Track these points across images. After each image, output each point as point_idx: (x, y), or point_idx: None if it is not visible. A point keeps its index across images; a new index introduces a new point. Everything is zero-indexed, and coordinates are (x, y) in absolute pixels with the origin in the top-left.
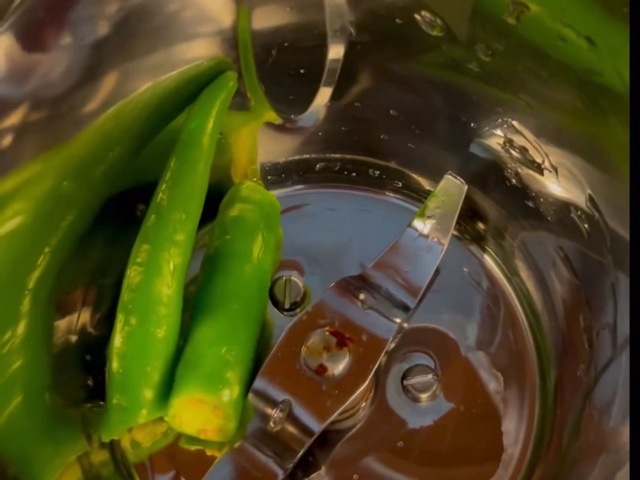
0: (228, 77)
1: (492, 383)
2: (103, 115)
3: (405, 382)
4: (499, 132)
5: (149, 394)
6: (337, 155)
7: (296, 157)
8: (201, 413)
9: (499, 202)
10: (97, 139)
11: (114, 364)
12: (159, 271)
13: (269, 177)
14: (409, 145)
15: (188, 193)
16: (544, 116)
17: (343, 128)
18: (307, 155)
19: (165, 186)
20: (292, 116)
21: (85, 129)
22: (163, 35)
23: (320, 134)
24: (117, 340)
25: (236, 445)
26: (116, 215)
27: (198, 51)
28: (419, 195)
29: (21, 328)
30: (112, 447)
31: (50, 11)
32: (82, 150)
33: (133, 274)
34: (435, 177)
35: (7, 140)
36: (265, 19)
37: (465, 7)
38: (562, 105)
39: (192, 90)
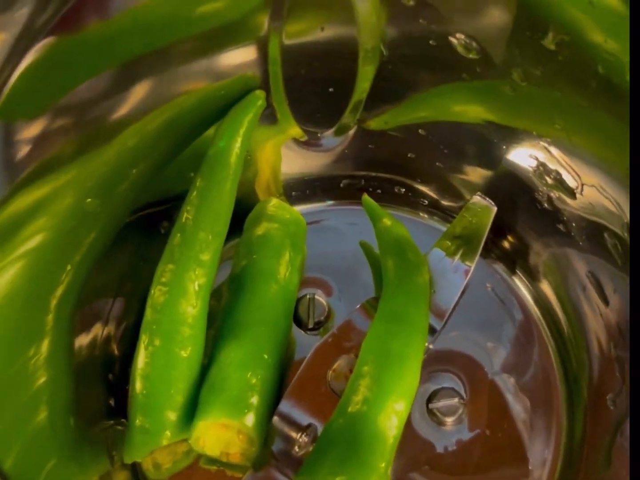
0: (257, 96)
1: (519, 407)
2: (127, 131)
3: (430, 406)
4: (530, 154)
5: (172, 416)
6: (362, 173)
7: (321, 174)
8: (224, 436)
9: (529, 224)
10: (121, 155)
11: (137, 385)
12: (183, 291)
13: (293, 193)
14: (437, 164)
15: (214, 213)
16: (579, 141)
17: (370, 146)
18: (332, 172)
19: (191, 205)
20: (318, 134)
21: (109, 143)
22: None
23: (346, 151)
24: (141, 360)
25: (258, 467)
26: (139, 231)
27: (228, 65)
28: (447, 215)
29: (44, 345)
30: (134, 467)
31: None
32: (105, 165)
33: (157, 294)
34: (464, 197)
35: (30, 149)
36: (297, 36)
37: (503, 31)
38: (598, 131)
39: (219, 107)
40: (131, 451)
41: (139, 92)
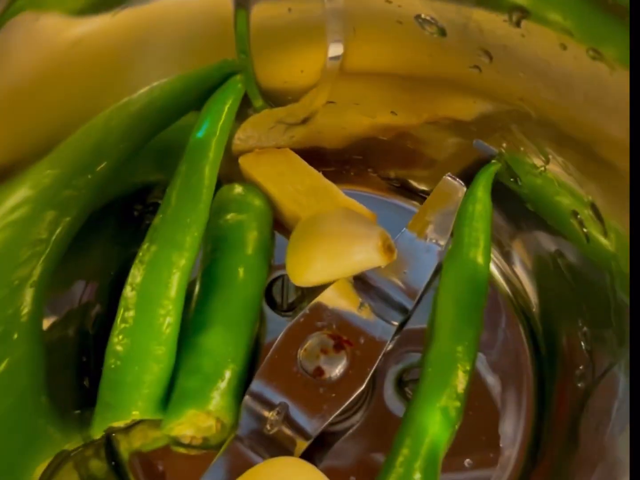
0: (236, 81)
1: (490, 385)
2: (104, 113)
3: (402, 383)
4: (500, 135)
5: (139, 393)
6: (334, 154)
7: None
8: (196, 422)
9: (498, 204)
10: (97, 139)
11: (109, 360)
12: (162, 272)
13: None
14: (409, 146)
15: (195, 197)
16: (545, 122)
17: (342, 128)
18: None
19: (173, 189)
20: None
21: (85, 128)
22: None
23: (319, 132)
24: (115, 336)
25: (231, 446)
26: (113, 215)
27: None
28: (418, 196)
29: (15, 325)
30: (108, 449)
31: None
32: (81, 149)
33: (136, 273)
34: (434, 179)
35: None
36: (264, 19)
37: (465, 10)
38: (563, 113)
39: (198, 93)
40: (96, 425)
41: (118, 75)
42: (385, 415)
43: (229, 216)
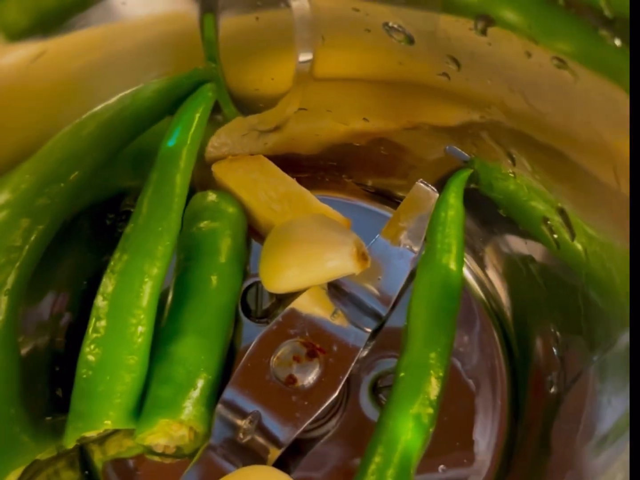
0: (207, 89)
1: (464, 390)
2: (75, 123)
3: (377, 389)
4: (471, 142)
5: (110, 403)
6: (307, 160)
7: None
8: (168, 431)
9: (471, 209)
10: (70, 146)
11: (81, 370)
12: (134, 280)
13: None
14: (382, 152)
15: (166, 206)
16: (514, 129)
17: (316, 134)
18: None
19: (144, 198)
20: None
21: (55, 138)
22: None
23: (293, 139)
24: (86, 346)
25: (203, 455)
26: (86, 223)
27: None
28: (393, 202)
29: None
30: (82, 459)
31: None
32: (52, 160)
33: (107, 282)
34: (409, 185)
35: None
36: (232, 28)
37: (432, 19)
38: (531, 119)
39: (170, 101)
40: (68, 434)
41: (85, 86)
42: (361, 421)
43: (202, 224)
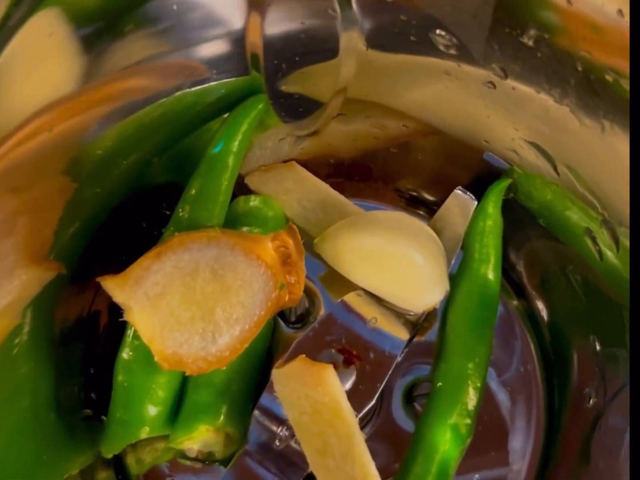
0: (258, 99)
1: (500, 399)
2: (125, 121)
3: (411, 397)
4: (511, 149)
5: (152, 410)
6: (343, 165)
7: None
8: (204, 436)
9: (510, 218)
10: (117, 144)
11: (120, 377)
12: None
13: None
14: (419, 158)
15: (209, 211)
16: (559, 140)
17: (353, 140)
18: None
19: (186, 203)
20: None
21: (106, 132)
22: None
23: (329, 144)
24: (125, 353)
25: (239, 461)
26: (122, 226)
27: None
28: (429, 209)
29: (24, 336)
30: (116, 462)
31: None
32: (100, 153)
33: None
34: (445, 191)
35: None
36: (277, 31)
37: (482, 28)
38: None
39: (219, 106)
40: (109, 444)
41: (139, 84)
42: (394, 429)
43: (245, 229)
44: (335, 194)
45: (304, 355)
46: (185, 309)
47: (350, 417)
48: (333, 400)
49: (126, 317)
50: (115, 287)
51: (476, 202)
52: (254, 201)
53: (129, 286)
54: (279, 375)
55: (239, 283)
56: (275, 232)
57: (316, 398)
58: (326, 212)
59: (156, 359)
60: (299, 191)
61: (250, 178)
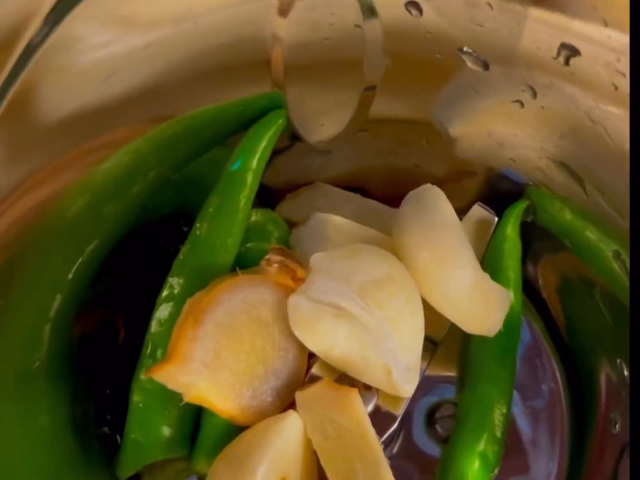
0: (278, 115)
1: (523, 424)
2: (142, 137)
3: (432, 419)
4: (539, 168)
5: (167, 431)
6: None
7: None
8: None
9: (534, 240)
10: (135, 160)
11: (136, 397)
12: None
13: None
14: (439, 174)
15: (227, 229)
16: (587, 162)
17: (374, 157)
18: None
19: (204, 220)
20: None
21: (124, 148)
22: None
23: (349, 159)
24: (142, 372)
25: None
26: (138, 243)
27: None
28: None
29: (43, 352)
30: None
31: None
32: (119, 169)
33: (163, 307)
34: (465, 207)
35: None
36: (300, 50)
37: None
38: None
39: (239, 122)
40: (124, 465)
41: (158, 99)
42: (415, 452)
43: (249, 245)
44: (367, 200)
45: (328, 378)
46: (241, 360)
47: (376, 444)
48: (359, 425)
49: (190, 398)
50: (173, 372)
51: (496, 218)
52: (256, 216)
53: (184, 364)
54: (302, 397)
55: (271, 314)
56: (267, 257)
57: (341, 423)
58: (363, 220)
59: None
60: (332, 207)
61: (281, 208)
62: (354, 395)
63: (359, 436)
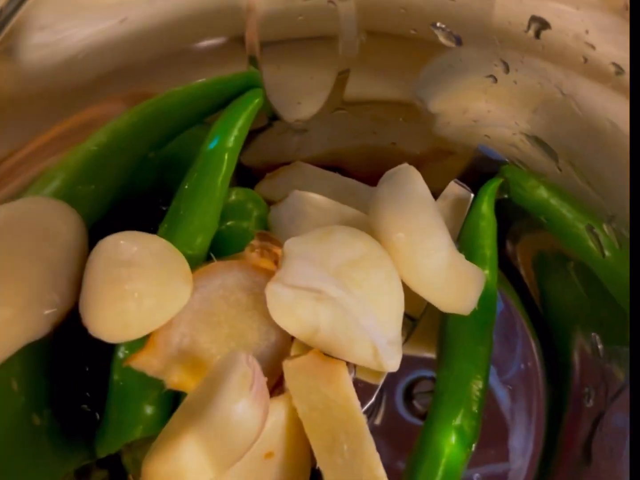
0: (255, 94)
1: (500, 398)
2: (119, 116)
3: (410, 396)
4: (510, 143)
5: (148, 409)
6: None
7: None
8: None
9: (509, 215)
10: (111, 141)
11: (116, 376)
12: None
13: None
14: (417, 152)
15: (205, 207)
16: (561, 135)
17: (352, 137)
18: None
19: (181, 197)
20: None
21: (100, 129)
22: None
23: (327, 138)
24: (121, 351)
25: None
26: (119, 222)
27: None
28: None
29: None
30: (112, 464)
31: None
32: (95, 150)
33: None
34: (441, 183)
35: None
36: (275, 27)
37: (483, 20)
38: (581, 124)
39: (216, 101)
40: (104, 444)
41: (133, 78)
42: (394, 427)
43: (229, 223)
44: (345, 179)
45: (317, 349)
46: (220, 345)
47: (360, 416)
48: (345, 397)
49: (171, 385)
50: (149, 359)
51: (472, 195)
52: (236, 195)
53: (160, 351)
54: (290, 367)
55: (251, 298)
56: (250, 243)
57: (327, 394)
58: (342, 198)
59: None
60: (310, 186)
61: (260, 187)
62: (342, 367)
63: (344, 408)
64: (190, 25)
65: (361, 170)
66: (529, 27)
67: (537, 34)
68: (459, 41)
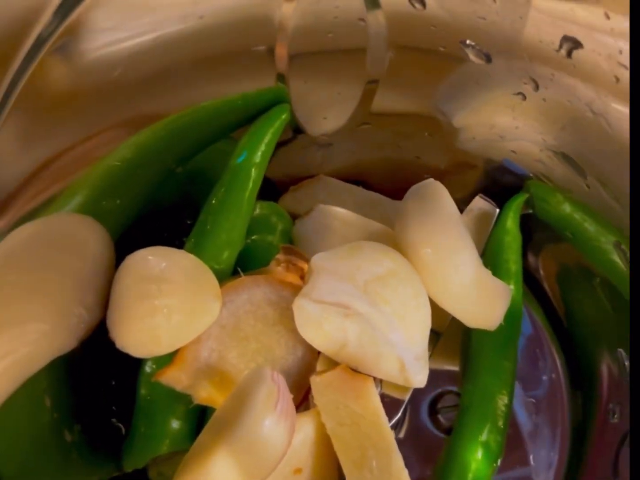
0: (282, 109)
1: (524, 412)
2: (143, 130)
3: (435, 410)
4: (540, 160)
5: (175, 424)
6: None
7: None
8: None
9: (533, 229)
10: (137, 155)
11: (143, 390)
12: None
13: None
14: (441, 166)
15: (232, 222)
16: (588, 151)
17: (377, 150)
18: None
19: (209, 213)
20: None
21: (126, 142)
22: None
23: (353, 152)
24: (148, 366)
25: None
26: (145, 236)
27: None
28: None
29: None
30: (139, 478)
31: None
32: (121, 164)
33: None
34: (466, 198)
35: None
36: (304, 42)
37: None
38: (610, 143)
39: (243, 115)
40: (131, 458)
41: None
42: (419, 441)
43: (254, 237)
44: (369, 193)
45: (344, 365)
46: (248, 360)
47: (389, 432)
48: (373, 413)
49: (199, 400)
50: (178, 374)
51: (497, 210)
52: (260, 208)
53: (188, 366)
54: (318, 383)
55: (278, 312)
56: (276, 257)
57: (355, 410)
58: (365, 212)
59: None
60: (334, 200)
61: (284, 200)
62: (369, 383)
63: (372, 423)
64: (223, 36)
65: (384, 183)
66: (560, 46)
67: (569, 53)
68: (488, 58)
